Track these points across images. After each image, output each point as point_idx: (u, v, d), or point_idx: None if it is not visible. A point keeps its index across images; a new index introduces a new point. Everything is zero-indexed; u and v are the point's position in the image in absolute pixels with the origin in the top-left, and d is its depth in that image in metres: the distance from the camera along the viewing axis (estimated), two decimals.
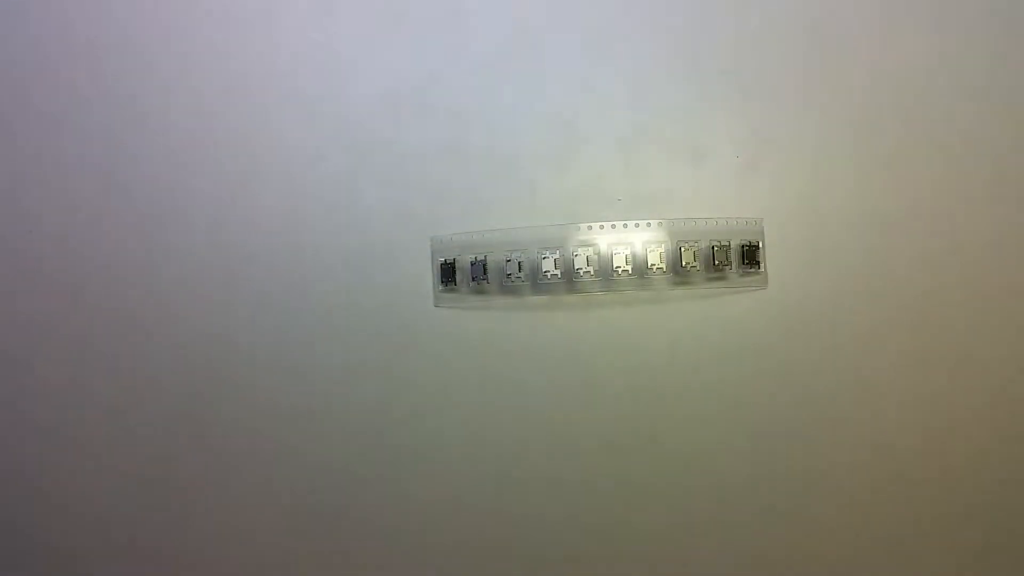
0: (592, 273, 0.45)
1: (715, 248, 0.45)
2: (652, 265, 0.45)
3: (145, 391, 0.47)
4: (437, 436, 0.46)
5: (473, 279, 0.45)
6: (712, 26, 0.46)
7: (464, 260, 0.46)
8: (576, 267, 0.45)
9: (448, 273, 0.46)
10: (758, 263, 0.45)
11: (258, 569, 0.46)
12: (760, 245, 0.45)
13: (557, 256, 0.45)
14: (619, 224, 0.45)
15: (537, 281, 0.45)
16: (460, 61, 0.47)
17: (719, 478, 0.45)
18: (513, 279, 0.45)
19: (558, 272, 0.45)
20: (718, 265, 0.45)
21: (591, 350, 0.46)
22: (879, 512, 0.45)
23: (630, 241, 0.45)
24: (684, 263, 0.45)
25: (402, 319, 0.46)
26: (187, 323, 0.47)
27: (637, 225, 0.45)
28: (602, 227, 0.45)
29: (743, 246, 0.45)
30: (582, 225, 0.45)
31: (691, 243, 0.45)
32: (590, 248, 0.45)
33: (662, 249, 0.45)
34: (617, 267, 0.45)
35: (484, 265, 0.45)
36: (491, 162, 0.46)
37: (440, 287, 0.46)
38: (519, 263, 0.45)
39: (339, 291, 0.46)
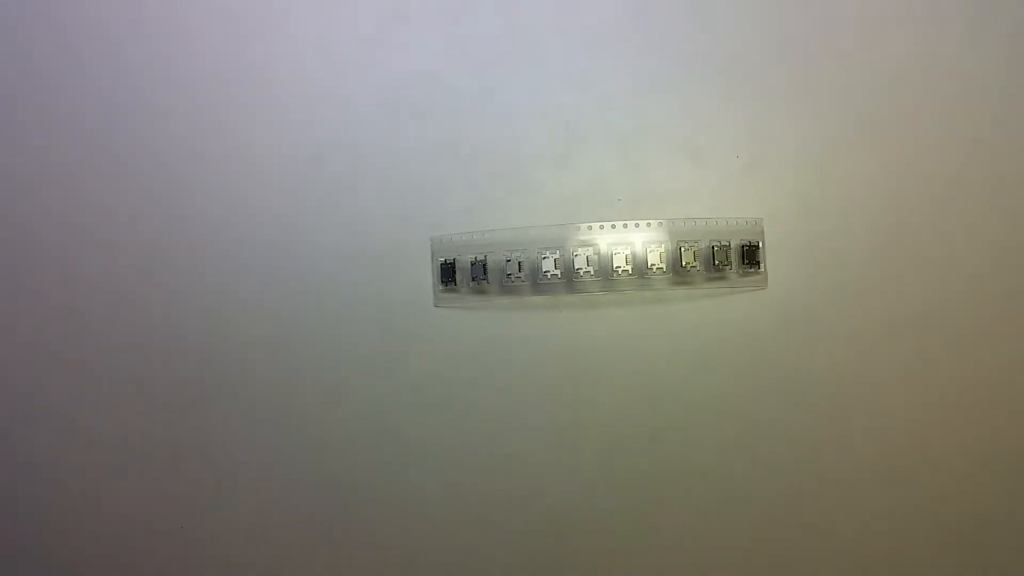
0: (592, 273, 0.45)
1: (715, 248, 0.45)
2: (652, 265, 0.45)
3: (144, 391, 0.47)
4: (437, 436, 0.46)
5: (473, 279, 0.45)
6: (712, 26, 0.46)
7: (464, 260, 0.46)
8: (576, 267, 0.45)
9: (448, 273, 0.46)
10: (758, 263, 0.45)
11: (256, 568, 0.46)
12: (760, 245, 0.45)
13: (557, 256, 0.45)
14: (619, 224, 0.45)
15: (537, 281, 0.45)
16: (460, 60, 0.47)
17: (719, 478, 0.45)
18: (513, 279, 0.45)
19: (558, 272, 0.45)
20: (718, 265, 0.45)
21: (591, 350, 0.46)
22: (879, 511, 0.45)
23: (630, 241, 0.45)
24: (684, 263, 0.45)
25: (402, 319, 0.46)
26: (186, 323, 0.47)
27: (637, 225, 0.45)
28: (602, 227, 0.45)
29: (743, 246, 0.45)
30: (582, 225, 0.45)
31: (691, 243, 0.45)
32: (590, 248, 0.45)
33: (662, 249, 0.45)
34: (617, 267, 0.45)
35: (484, 265, 0.45)
36: (491, 162, 0.46)
37: (440, 287, 0.46)
38: (519, 263, 0.45)
39: (339, 291, 0.46)
